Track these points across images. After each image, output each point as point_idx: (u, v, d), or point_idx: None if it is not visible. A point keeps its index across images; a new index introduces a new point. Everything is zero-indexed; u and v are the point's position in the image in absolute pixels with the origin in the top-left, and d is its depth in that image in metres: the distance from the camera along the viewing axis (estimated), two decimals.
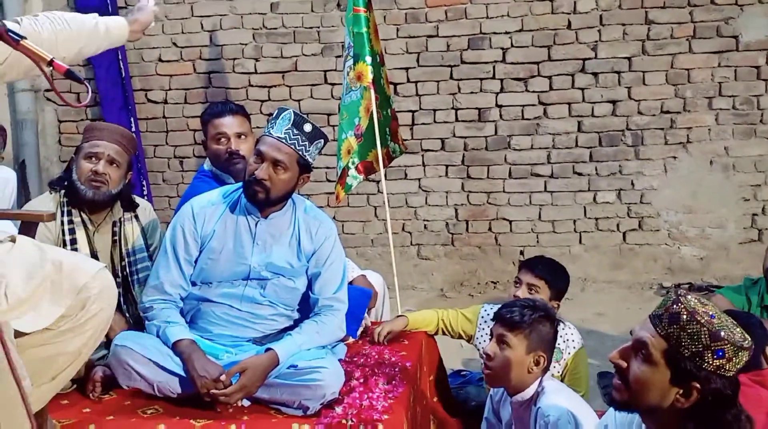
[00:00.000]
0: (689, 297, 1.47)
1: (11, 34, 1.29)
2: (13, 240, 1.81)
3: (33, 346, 1.68)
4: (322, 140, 2.50)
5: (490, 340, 2.23)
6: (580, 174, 5.20)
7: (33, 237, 2.07)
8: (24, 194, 4.95)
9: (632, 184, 5.16)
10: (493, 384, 2.26)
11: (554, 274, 2.82)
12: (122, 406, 2.29)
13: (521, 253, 5.29)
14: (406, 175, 5.34)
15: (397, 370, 2.57)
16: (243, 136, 2.98)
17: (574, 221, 5.26)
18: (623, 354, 1.54)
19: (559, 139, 5.19)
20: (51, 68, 1.34)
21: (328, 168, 5.29)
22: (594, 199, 5.21)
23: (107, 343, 2.37)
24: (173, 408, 2.27)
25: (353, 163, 3.80)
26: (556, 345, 2.58)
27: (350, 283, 2.88)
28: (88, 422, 2.17)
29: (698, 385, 1.42)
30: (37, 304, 1.67)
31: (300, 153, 2.42)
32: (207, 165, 3.06)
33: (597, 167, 5.18)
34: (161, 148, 5.56)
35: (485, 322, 2.80)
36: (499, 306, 2.33)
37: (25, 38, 1.31)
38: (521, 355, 2.12)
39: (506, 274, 5.29)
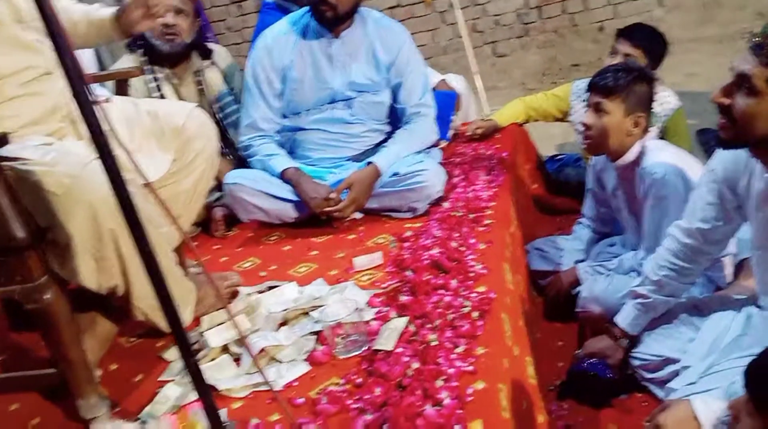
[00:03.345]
0: None
1: None
2: (107, 101, 1.88)
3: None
4: None
5: (587, 111, 2.20)
6: None
7: (126, 95, 2.15)
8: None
9: None
10: (593, 153, 2.25)
11: (652, 41, 2.66)
12: (247, 238, 2.47)
13: (600, 29, 5.07)
14: None
15: (494, 161, 2.61)
16: None
17: None
18: (725, 92, 1.50)
19: None
20: None
21: None
22: None
23: (219, 186, 2.50)
24: (293, 231, 2.42)
25: None
26: (652, 109, 2.52)
27: (432, 89, 2.88)
28: (220, 256, 2.36)
29: None
30: (149, 153, 1.76)
31: None
32: None
33: None
34: None
35: (578, 96, 2.77)
36: (591, 77, 2.28)
37: None
38: (620, 119, 2.09)
39: (587, 54, 5.12)
